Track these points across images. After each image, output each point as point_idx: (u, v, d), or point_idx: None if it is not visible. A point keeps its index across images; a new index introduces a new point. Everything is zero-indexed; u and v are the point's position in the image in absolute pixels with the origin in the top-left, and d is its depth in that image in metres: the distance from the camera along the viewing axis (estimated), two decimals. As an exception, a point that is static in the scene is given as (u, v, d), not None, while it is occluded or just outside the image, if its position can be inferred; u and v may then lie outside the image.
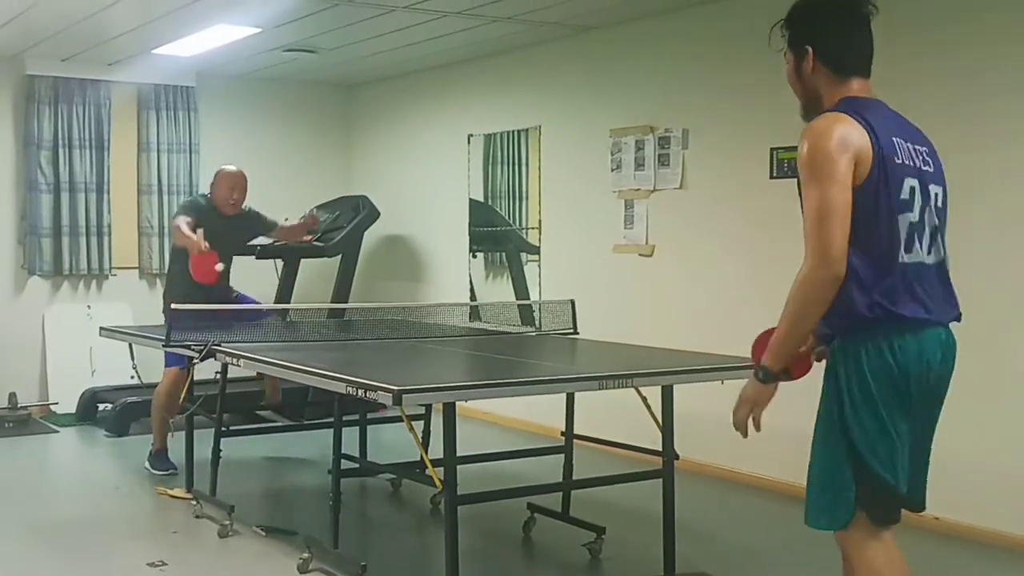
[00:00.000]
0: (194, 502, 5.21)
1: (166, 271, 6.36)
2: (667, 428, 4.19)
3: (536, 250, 7.49)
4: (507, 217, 8.02)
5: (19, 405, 7.59)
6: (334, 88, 9.40)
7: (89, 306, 8.28)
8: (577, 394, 4.82)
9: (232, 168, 6.27)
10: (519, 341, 5.55)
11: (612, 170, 6.73)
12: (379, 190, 8.73)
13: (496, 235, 8.10)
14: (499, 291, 8.02)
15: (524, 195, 7.74)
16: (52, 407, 7.96)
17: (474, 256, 8.12)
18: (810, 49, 2.76)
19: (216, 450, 5.31)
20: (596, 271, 6.87)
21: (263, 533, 4.78)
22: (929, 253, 2.71)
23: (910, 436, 2.71)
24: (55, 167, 8.07)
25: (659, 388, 4.15)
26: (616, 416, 5.05)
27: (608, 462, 5.27)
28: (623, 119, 6.66)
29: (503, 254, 8.20)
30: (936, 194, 2.75)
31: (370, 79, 9.09)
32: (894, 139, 2.67)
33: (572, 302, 5.52)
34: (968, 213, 4.82)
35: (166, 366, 5.91)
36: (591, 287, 6.68)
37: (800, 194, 2.69)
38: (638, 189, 6.56)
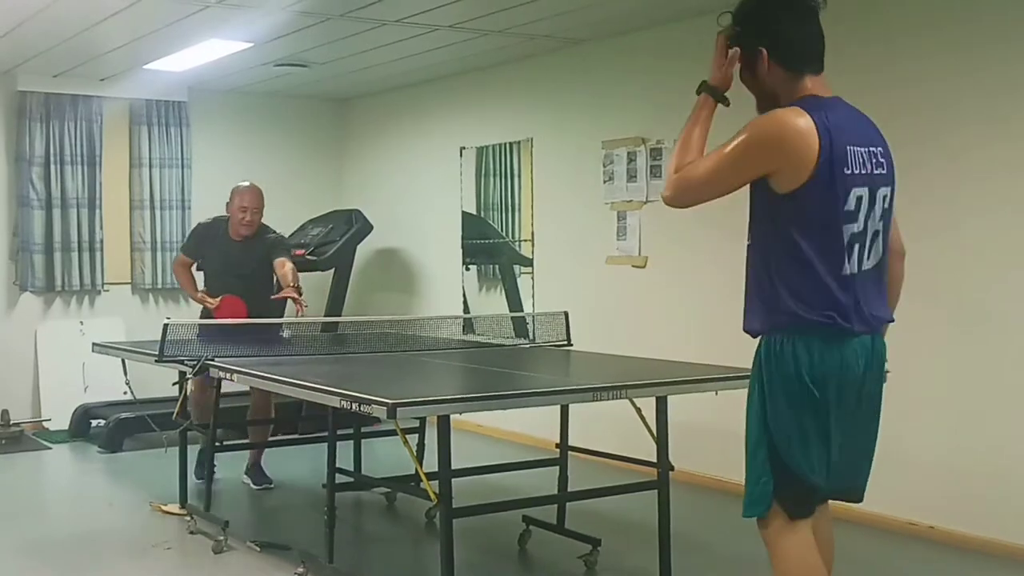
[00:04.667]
0: (188, 517, 5.19)
1: (202, 286, 6.20)
2: (662, 439, 4.19)
3: (529, 262, 7.50)
4: (500, 229, 8.02)
5: (11, 422, 7.56)
6: (326, 102, 9.41)
7: (82, 322, 8.26)
8: (571, 406, 4.81)
9: (244, 184, 6.11)
10: (513, 353, 5.55)
11: (604, 182, 6.74)
12: (372, 204, 8.74)
13: (489, 248, 8.10)
14: (492, 304, 8.02)
15: (517, 207, 7.75)
16: (45, 423, 7.94)
17: (467, 269, 8.12)
18: (764, 50, 2.77)
19: (210, 465, 5.30)
20: (589, 283, 6.87)
21: (258, 548, 4.77)
22: (868, 259, 2.72)
23: (838, 435, 2.73)
24: (47, 183, 8.06)
25: (653, 399, 4.15)
26: (610, 427, 5.05)
27: (603, 474, 5.27)
28: (615, 131, 6.67)
29: (496, 266, 8.20)
30: (884, 196, 2.74)
31: (362, 93, 9.10)
32: (848, 147, 2.65)
33: (566, 314, 5.52)
34: (954, 212, 4.85)
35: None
36: (584, 299, 6.68)
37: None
38: (631, 200, 6.57)
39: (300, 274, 8.03)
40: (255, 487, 6.12)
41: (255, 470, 6.20)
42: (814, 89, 2.75)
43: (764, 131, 2.69)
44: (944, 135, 4.90)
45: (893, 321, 2.86)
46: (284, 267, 5.87)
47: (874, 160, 2.72)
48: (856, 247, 2.68)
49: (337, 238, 8.19)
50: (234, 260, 6.04)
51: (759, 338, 2.82)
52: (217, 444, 5.56)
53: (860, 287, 2.70)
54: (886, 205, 2.76)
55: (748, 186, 2.83)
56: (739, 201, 6.09)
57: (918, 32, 5.04)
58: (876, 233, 2.73)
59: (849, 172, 2.65)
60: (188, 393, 5.21)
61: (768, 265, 2.76)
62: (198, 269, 6.33)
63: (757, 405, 2.81)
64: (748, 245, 2.91)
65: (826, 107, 2.69)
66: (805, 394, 2.67)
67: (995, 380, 4.73)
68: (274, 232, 6.24)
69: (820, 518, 2.88)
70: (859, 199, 2.67)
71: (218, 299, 5.88)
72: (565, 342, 5.45)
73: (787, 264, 2.69)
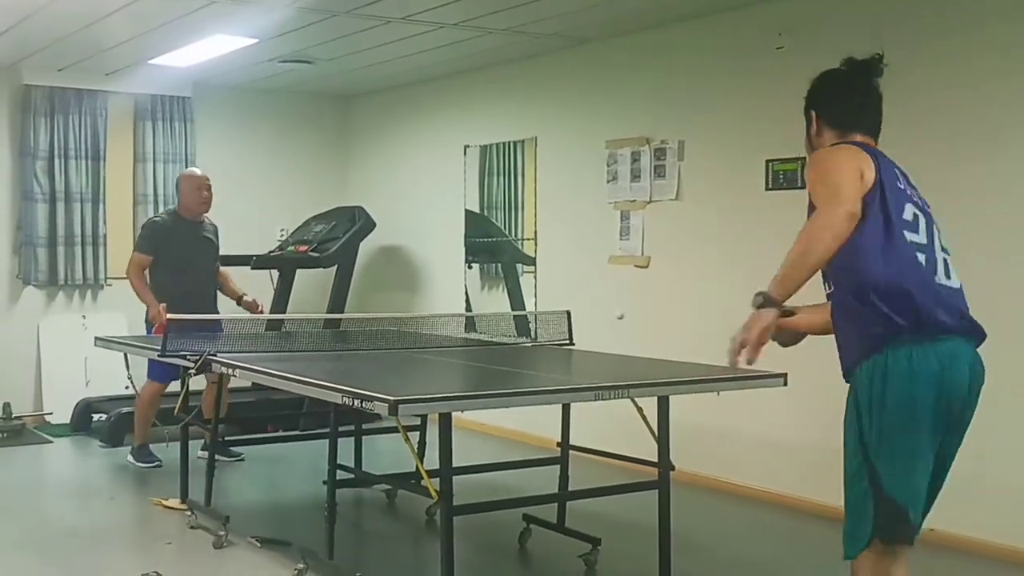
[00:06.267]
0: (189, 513, 5.20)
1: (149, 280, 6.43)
2: (663, 439, 4.18)
3: (532, 261, 7.49)
4: (503, 228, 8.02)
5: (13, 415, 7.57)
6: (330, 99, 9.41)
7: (84, 316, 8.27)
8: (573, 405, 4.81)
9: (195, 170, 6.64)
10: (515, 352, 5.55)
11: (608, 181, 6.74)
12: (375, 201, 8.74)
13: (492, 246, 8.10)
14: (495, 302, 8.02)
15: (520, 206, 7.74)
16: (46, 417, 7.95)
17: (470, 267, 8.12)
18: (814, 113, 3.03)
19: (211, 460, 5.30)
20: (592, 282, 6.87)
21: (258, 544, 4.77)
22: (945, 278, 2.79)
23: (933, 452, 2.75)
24: (51, 177, 8.07)
25: (655, 399, 4.14)
26: (612, 427, 5.05)
27: (604, 473, 5.27)
28: (619, 131, 6.67)
29: (499, 265, 8.20)
30: (938, 232, 2.85)
31: (366, 90, 9.10)
32: (893, 169, 2.83)
33: (568, 313, 5.51)
34: (975, 223, 4.84)
35: (149, 377, 6.08)
36: (587, 298, 6.68)
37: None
38: (634, 200, 6.57)
39: (302, 270, 8.20)
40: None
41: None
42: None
43: (831, 152, 2.84)
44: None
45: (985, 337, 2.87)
46: (227, 277, 6.69)
47: (917, 198, 2.85)
48: (924, 257, 2.76)
49: (340, 235, 8.20)
50: (197, 247, 6.44)
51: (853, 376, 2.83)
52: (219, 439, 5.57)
53: (944, 294, 2.76)
54: (943, 242, 2.85)
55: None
56: (741, 203, 6.08)
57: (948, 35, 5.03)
58: (944, 258, 2.81)
59: (901, 187, 2.80)
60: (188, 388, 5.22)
61: (855, 290, 2.77)
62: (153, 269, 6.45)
63: (854, 433, 2.78)
64: (829, 294, 2.94)
65: (859, 144, 2.88)
66: (907, 405, 2.68)
67: (1000, 382, 4.70)
68: (210, 219, 6.65)
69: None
70: (915, 216, 2.78)
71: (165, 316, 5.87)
72: (567, 341, 5.45)
73: (872, 278, 2.71)
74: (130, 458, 6.47)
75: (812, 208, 2.75)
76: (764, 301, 2.64)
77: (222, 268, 6.78)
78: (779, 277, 2.64)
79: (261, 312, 6.60)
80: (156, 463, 6.34)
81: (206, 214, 6.56)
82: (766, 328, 2.62)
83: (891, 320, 2.68)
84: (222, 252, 6.76)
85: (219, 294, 6.67)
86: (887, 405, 2.70)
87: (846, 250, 2.67)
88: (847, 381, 2.86)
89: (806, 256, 2.62)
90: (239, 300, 6.58)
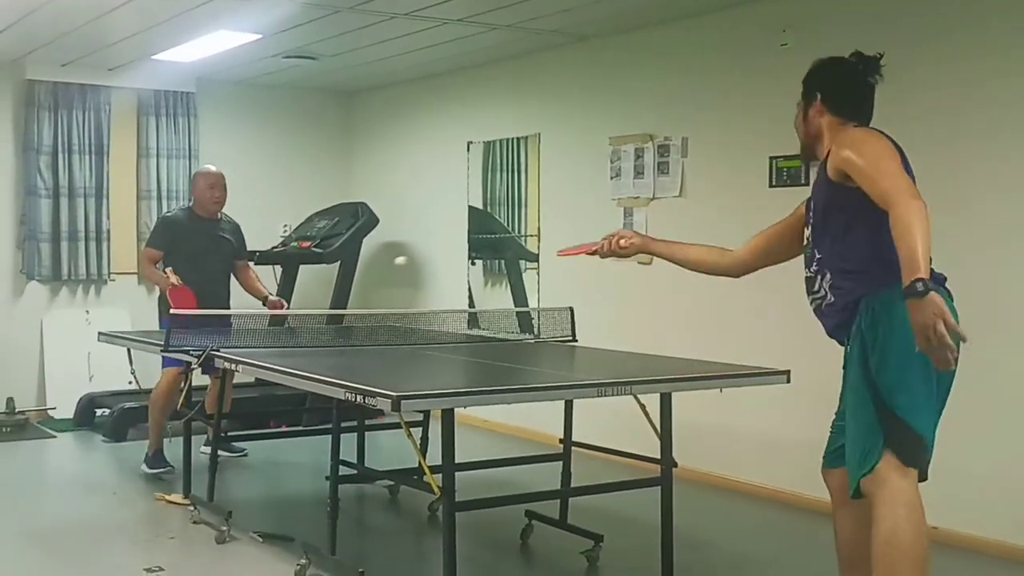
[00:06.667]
0: (192, 508, 5.21)
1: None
2: (665, 436, 4.19)
3: (535, 258, 7.49)
4: (506, 224, 8.02)
5: (17, 410, 7.59)
6: (334, 95, 9.42)
7: (87, 311, 8.28)
8: (576, 401, 4.82)
9: (211, 167, 6.48)
10: (518, 348, 5.55)
11: (611, 178, 6.74)
12: (378, 197, 8.74)
13: (495, 242, 8.11)
14: (498, 298, 8.03)
15: (523, 203, 7.75)
16: (50, 412, 7.97)
17: (473, 263, 8.13)
18: (819, 95, 3.23)
19: (214, 456, 5.31)
20: (595, 279, 6.87)
21: (260, 539, 4.78)
22: None
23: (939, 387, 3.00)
24: (54, 172, 8.08)
25: (658, 396, 4.15)
26: (614, 424, 5.05)
27: (606, 470, 5.27)
28: (622, 127, 6.67)
29: (502, 261, 8.21)
30: None
31: (370, 86, 9.11)
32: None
33: (571, 309, 5.52)
34: (971, 220, 4.84)
35: (164, 367, 5.99)
36: (590, 295, 6.68)
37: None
38: (637, 197, 6.57)
39: (305, 266, 8.20)
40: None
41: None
42: None
43: (867, 133, 3.06)
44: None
45: None
46: (253, 278, 6.54)
47: None
48: None
49: (343, 231, 8.20)
50: (211, 244, 6.31)
51: (856, 318, 3.04)
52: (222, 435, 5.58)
53: None
54: None
55: (809, 214, 3.33)
56: (744, 201, 6.10)
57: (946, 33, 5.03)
58: None
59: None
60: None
61: (858, 248, 3.05)
62: (165, 265, 6.34)
63: (858, 367, 3.00)
64: (815, 263, 3.25)
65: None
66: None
67: (999, 382, 4.72)
68: (231, 218, 6.55)
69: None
70: None
71: (180, 284, 5.89)
72: (570, 338, 5.45)
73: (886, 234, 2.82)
74: (144, 468, 6.15)
75: (834, 178, 3.05)
76: (926, 286, 2.62)
77: (251, 266, 6.70)
78: (919, 263, 2.63)
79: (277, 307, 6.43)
80: (168, 467, 6.07)
81: (222, 212, 6.43)
82: (947, 312, 2.62)
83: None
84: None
85: (239, 292, 6.54)
86: (887, 333, 2.92)
87: (866, 221, 2.97)
88: (847, 332, 3.10)
89: (928, 242, 2.69)
90: (264, 300, 6.39)
